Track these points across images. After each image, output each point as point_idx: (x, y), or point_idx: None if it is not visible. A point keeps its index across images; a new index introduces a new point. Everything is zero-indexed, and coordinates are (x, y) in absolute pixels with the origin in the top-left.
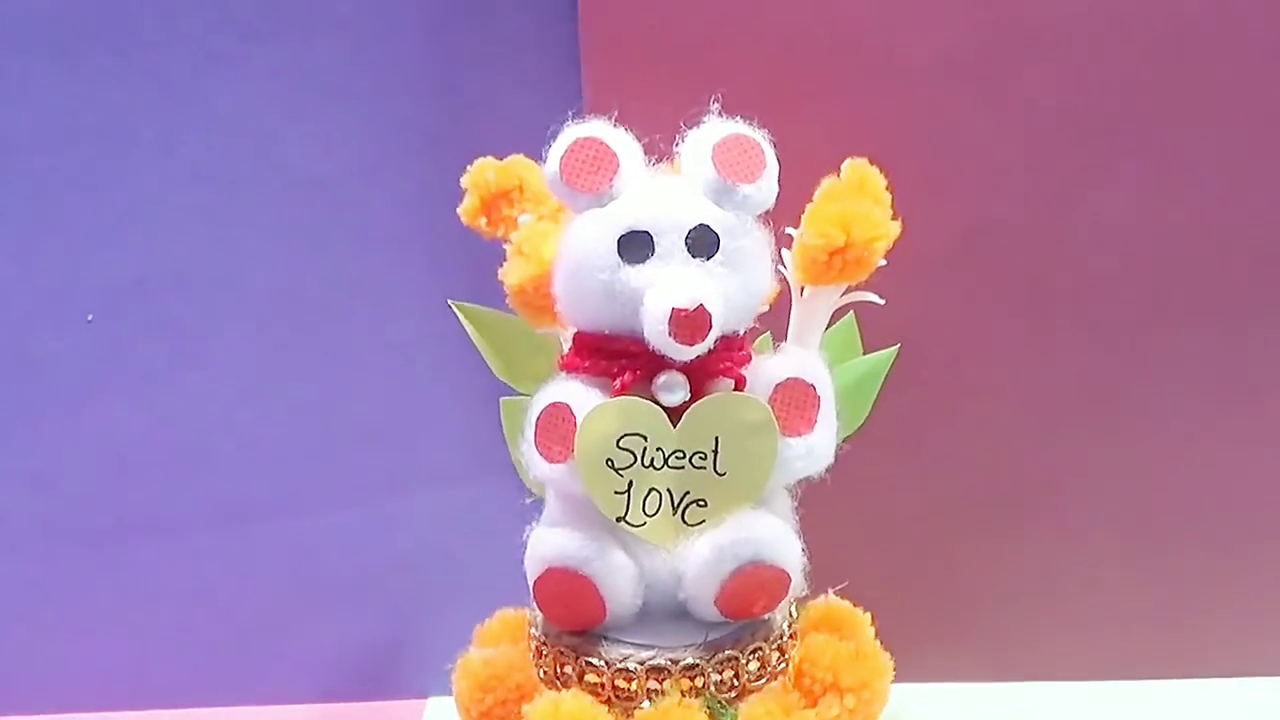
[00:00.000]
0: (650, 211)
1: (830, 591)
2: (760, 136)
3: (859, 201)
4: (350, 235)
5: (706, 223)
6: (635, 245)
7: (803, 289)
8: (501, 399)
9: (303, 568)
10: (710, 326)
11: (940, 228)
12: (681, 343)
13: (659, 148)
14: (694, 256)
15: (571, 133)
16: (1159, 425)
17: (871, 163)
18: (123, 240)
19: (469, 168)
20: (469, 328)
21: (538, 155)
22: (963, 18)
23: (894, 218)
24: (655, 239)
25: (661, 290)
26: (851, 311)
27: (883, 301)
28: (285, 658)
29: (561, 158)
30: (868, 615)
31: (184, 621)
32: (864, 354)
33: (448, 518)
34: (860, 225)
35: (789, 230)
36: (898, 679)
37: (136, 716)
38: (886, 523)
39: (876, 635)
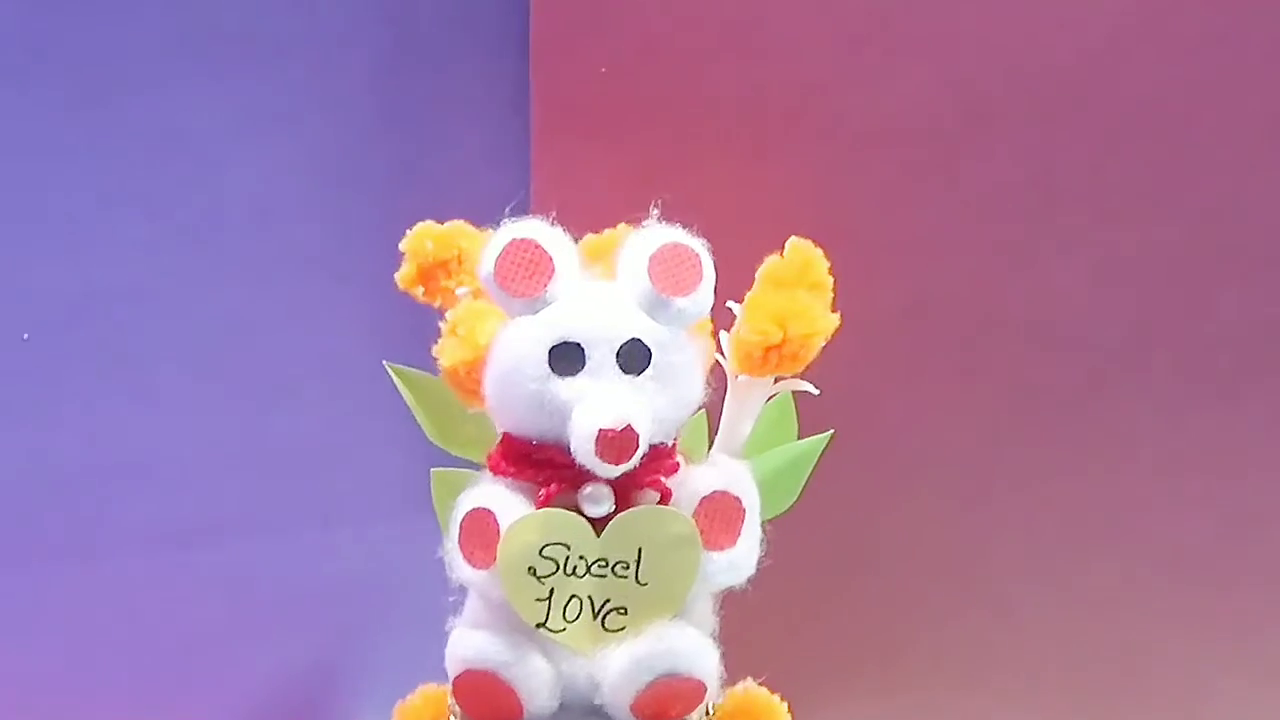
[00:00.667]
0: (583, 323)
1: (749, 680)
2: (698, 245)
3: (797, 294)
4: (290, 265)
5: (639, 337)
6: (566, 357)
7: (737, 375)
8: (433, 470)
9: (234, 594)
10: (637, 446)
11: (880, 302)
12: (608, 462)
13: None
14: (625, 372)
15: (508, 232)
16: (1094, 503)
17: (813, 233)
18: (60, 260)
19: (408, 232)
20: (403, 390)
21: (481, 197)
22: (913, 92)
23: (833, 303)
24: (587, 351)
25: (589, 408)
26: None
27: (817, 392)
28: (216, 683)
29: (497, 259)
30: (785, 705)
31: (112, 645)
32: (799, 432)
33: (380, 548)
34: (798, 321)
35: (730, 304)
36: None
37: None
38: (812, 605)
39: None
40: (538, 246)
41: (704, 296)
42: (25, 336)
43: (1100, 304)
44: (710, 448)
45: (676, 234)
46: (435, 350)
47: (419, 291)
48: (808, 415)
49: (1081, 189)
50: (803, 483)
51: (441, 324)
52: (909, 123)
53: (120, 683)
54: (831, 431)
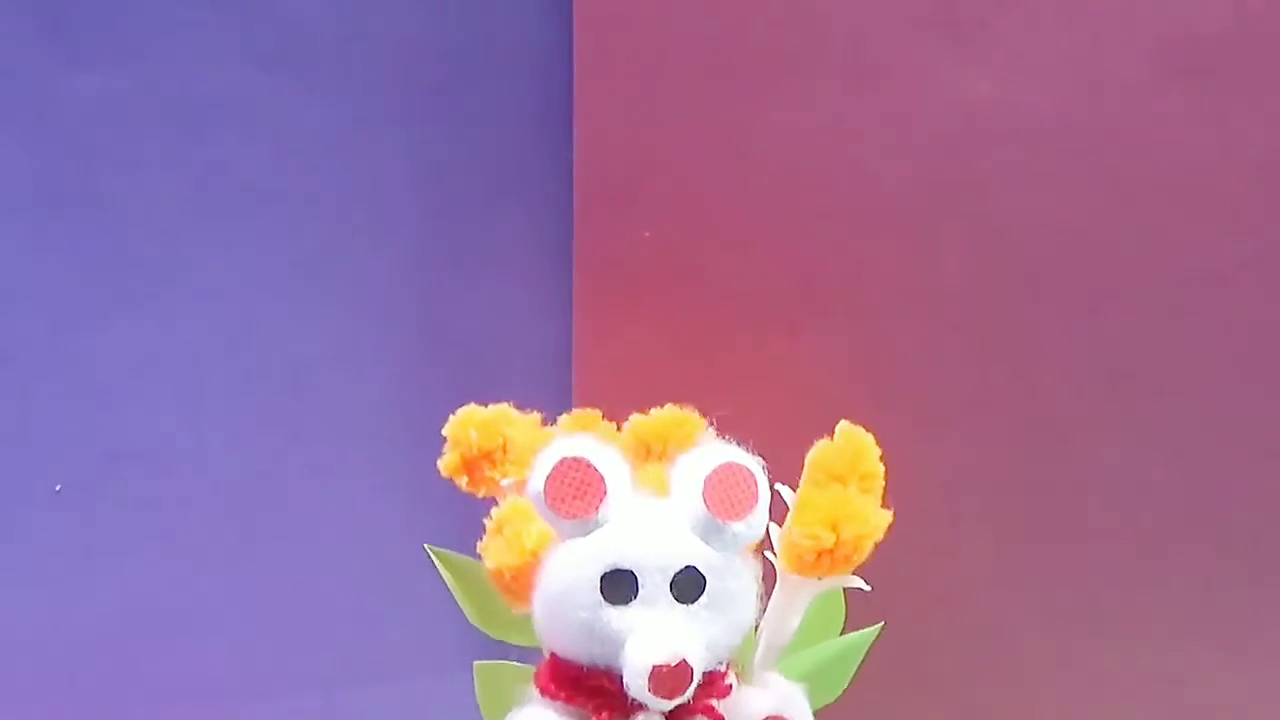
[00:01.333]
0: (636, 550)
1: None
2: (753, 464)
3: (849, 493)
4: (325, 422)
5: (694, 564)
6: (619, 584)
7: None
8: (476, 664)
9: None
10: (691, 681)
11: (926, 475)
12: (661, 698)
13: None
14: (679, 600)
15: (558, 450)
16: (1147, 680)
17: (860, 406)
18: (94, 412)
19: (451, 418)
20: (444, 574)
21: (522, 362)
22: (958, 264)
23: (884, 500)
24: (640, 579)
25: (643, 644)
26: None
27: (868, 588)
28: None
29: (547, 479)
30: None
31: None
32: (847, 618)
33: (410, 709)
34: (850, 524)
35: (778, 487)
36: None
37: None
38: None
39: None
40: (589, 466)
41: (760, 519)
42: (58, 488)
43: (1147, 477)
44: (756, 641)
45: (731, 452)
46: (480, 548)
47: (462, 481)
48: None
49: (1138, 363)
50: (851, 674)
51: (486, 521)
52: (962, 284)
53: None
54: (882, 624)
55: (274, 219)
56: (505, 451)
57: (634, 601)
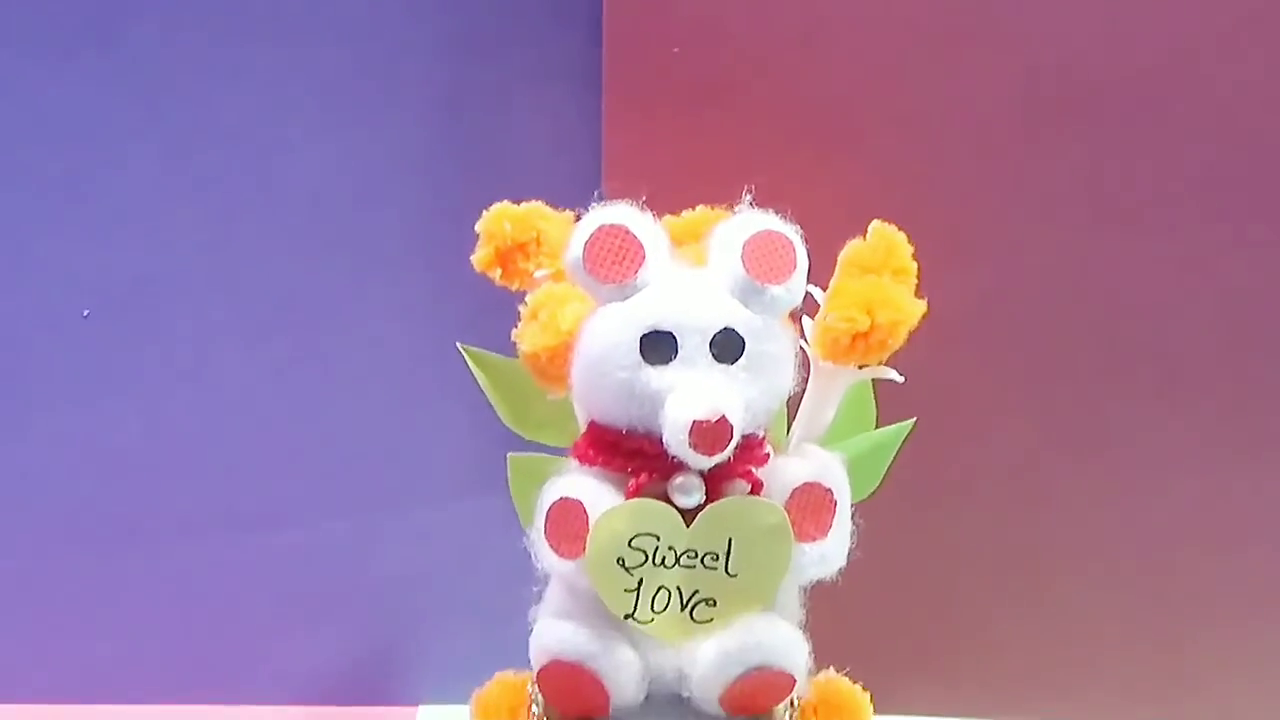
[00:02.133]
0: (675, 312)
1: (830, 669)
2: (791, 232)
3: (883, 281)
4: (353, 249)
5: (733, 326)
6: (658, 345)
7: (821, 361)
8: (510, 455)
9: (296, 575)
10: (731, 437)
11: (961, 293)
12: (702, 454)
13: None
14: (718, 361)
15: (597, 217)
16: (1164, 495)
17: (893, 219)
18: (120, 241)
19: (485, 213)
20: (476, 372)
21: (551, 185)
22: (993, 79)
23: (917, 289)
24: (679, 340)
25: (683, 399)
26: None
27: (902, 379)
28: (277, 662)
29: (586, 244)
30: (868, 695)
31: (175, 623)
32: (878, 418)
33: (442, 531)
34: (885, 308)
35: (811, 288)
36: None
37: (127, 711)
38: (890, 595)
39: None
40: (627, 232)
41: (798, 284)
42: (86, 313)
43: (1182, 296)
44: (789, 435)
45: (770, 220)
46: (515, 335)
47: (496, 274)
48: (885, 403)
49: (1160, 179)
50: (884, 470)
51: (520, 308)
52: (988, 109)
53: (180, 668)
54: (914, 420)
55: (296, 40)
56: (539, 244)
57: (673, 362)
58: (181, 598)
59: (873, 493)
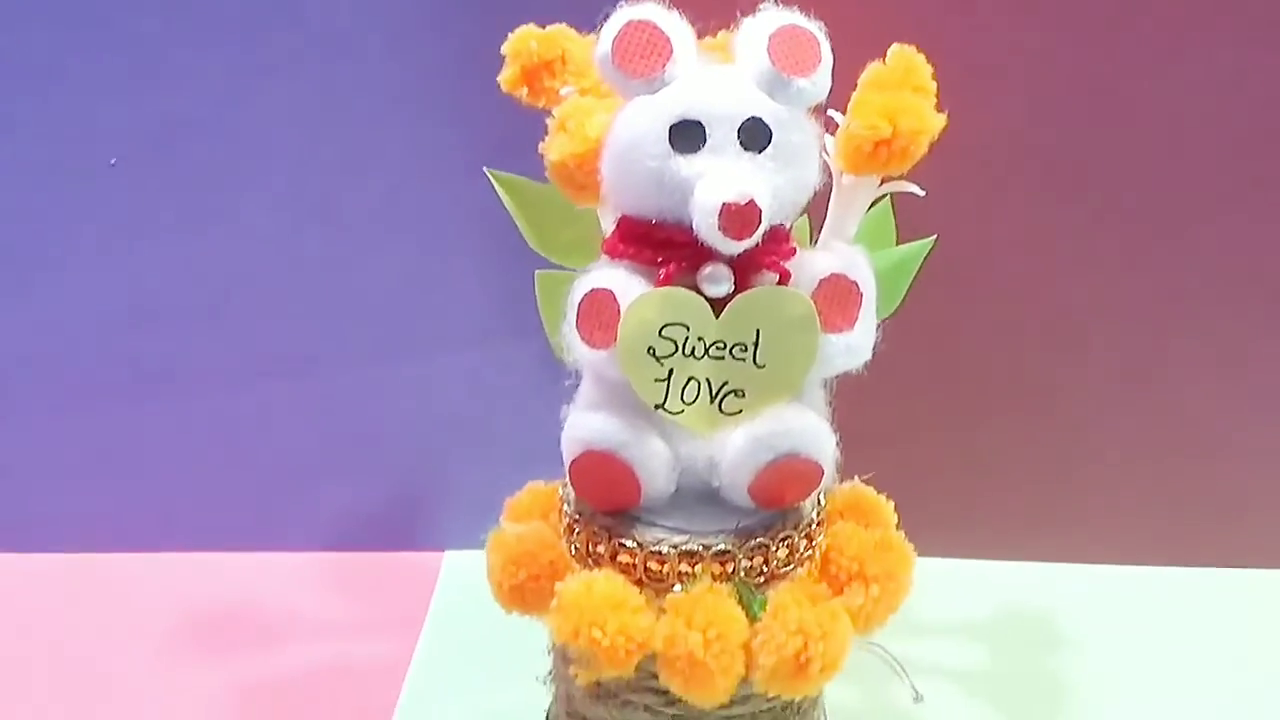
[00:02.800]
0: (704, 101)
1: (856, 478)
2: (816, 28)
3: (904, 92)
4: (380, 92)
5: (760, 116)
6: (687, 135)
7: (844, 175)
8: (537, 272)
9: (326, 421)
10: (759, 221)
11: (982, 119)
12: (730, 237)
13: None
14: (745, 149)
15: (624, 14)
16: (1176, 328)
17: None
18: (147, 88)
19: (510, 34)
20: (504, 197)
21: (576, 17)
22: None
23: (937, 109)
24: (708, 129)
25: (712, 183)
26: (888, 198)
27: (923, 193)
28: (307, 507)
29: (614, 40)
30: (891, 504)
31: (207, 470)
32: (898, 241)
33: (470, 377)
34: (907, 117)
35: (832, 113)
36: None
37: (159, 558)
38: (911, 407)
39: (899, 525)
40: (655, 27)
41: (823, 77)
42: (113, 161)
43: (1202, 123)
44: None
45: (795, 16)
46: (543, 147)
47: (523, 93)
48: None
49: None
50: (905, 288)
51: (548, 120)
52: None
53: (215, 506)
54: (935, 236)
55: None
56: (564, 63)
57: (702, 150)
58: (210, 446)
59: (895, 310)
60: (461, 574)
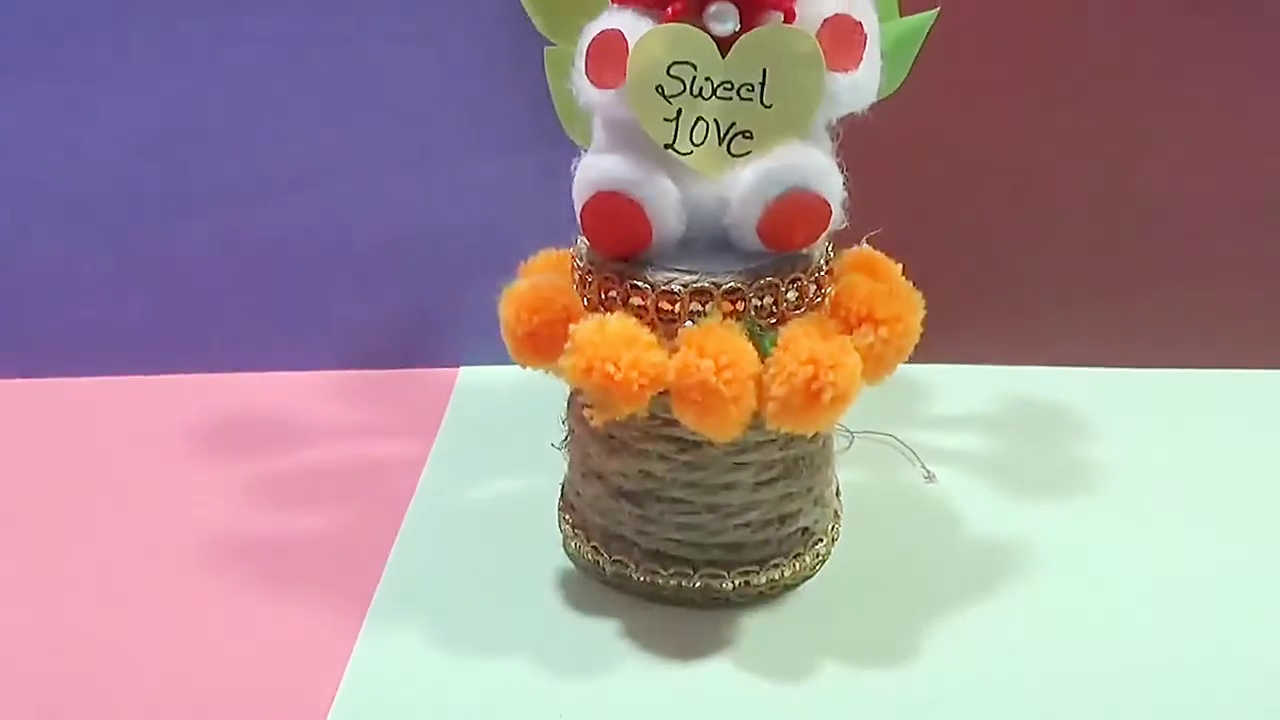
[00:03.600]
0: None
1: (864, 240)
2: None
3: None
4: None
5: None
6: None
7: None
8: (546, 49)
9: (338, 237)
10: None
11: None
12: None
13: None
14: None
15: None
16: (1151, 108)
17: None
18: None
19: None
20: None
21: None
22: None
23: None
24: None
25: None
26: None
27: None
28: (321, 325)
29: None
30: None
31: (222, 289)
32: (902, 14)
33: (479, 191)
34: None
35: None
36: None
37: (180, 380)
38: (912, 190)
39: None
40: None
41: None
42: None
43: None
44: None
45: None
46: None
47: None
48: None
49: None
50: (911, 60)
51: None
52: None
53: (231, 325)
54: (937, 10)
55: None
56: None
57: None
58: (226, 266)
59: (899, 86)
60: (476, 387)
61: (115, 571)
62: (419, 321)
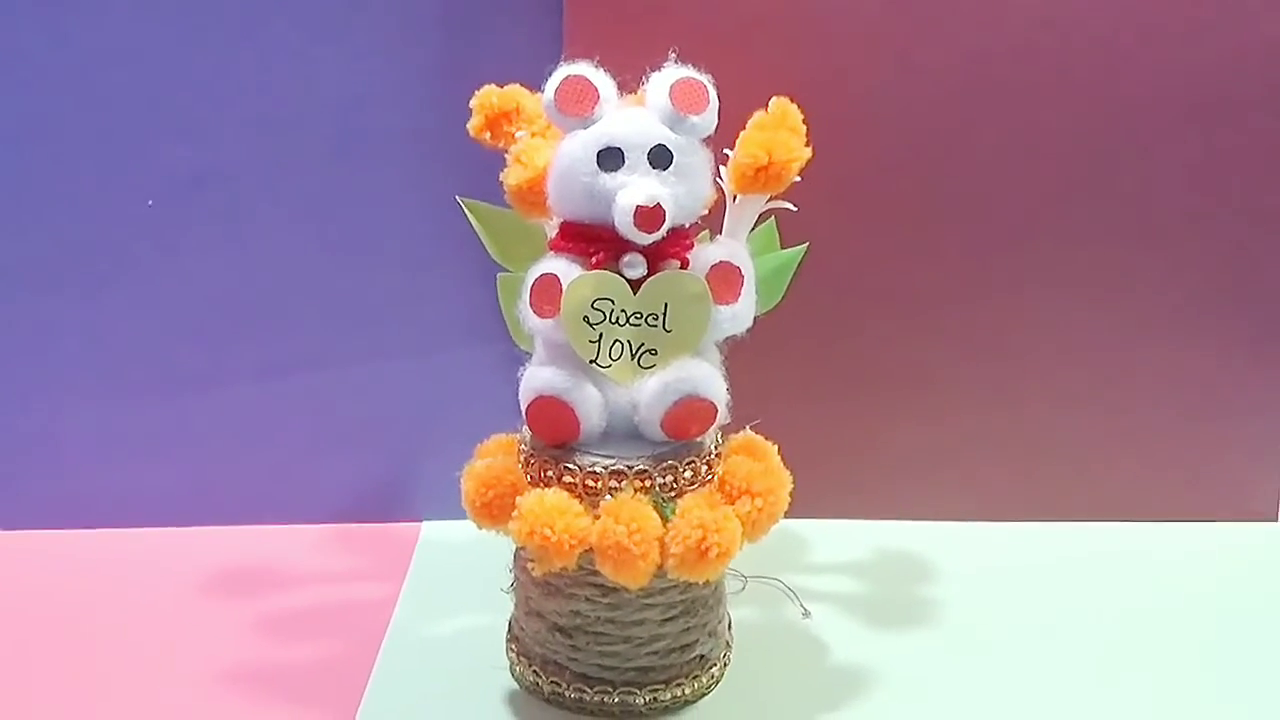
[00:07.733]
0: (622, 132)
1: (747, 427)
2: (706, 80)
3: (780, 131)
4: (372, 146)
5: (664, 143)
6: (610, 157)
7: (735, 196)
8: (499, 275)
9: (320, 413)
10: (664, 220)
11: (846, 154)
12: (643, 231)
13: (625, 80)
14: (654, 168)
15: (563, 71)
16: (1025, 318)
17: (793, 101)
18: (180, 140)
19: (476, 93)
20: (472, 219)
21: (525, 83)
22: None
23: (808, 145)
24: (625, 153)
25: (629, 192)
26: (773, 217)
27: (795, 209)
28: (305, 486)
29: (555, 89)
30: (775, 446)
31: (222, 455)
32: (780, 245)
33: (442, 376)
34: (780, 150)
35: (726, 151)
36: (797, 515)
37: (187, 532)
38: (793, 382)
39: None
40: (586, 80)
41: (710, 116)
42: (150, 203)
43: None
44: None
45: (690, 71)
46: (503, 176)
47: (486, 137)
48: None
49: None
50: (785, 285)
51: (507, 156)
52: (870, 26)
53: (229, 485)
54: (806, 244)
55: None
56: (519, 113)
57: (621, 169)
58: (222, 436)
59: (776, 305)
60: (437, 540)
61: (121, 699)
62: (387, 484)
